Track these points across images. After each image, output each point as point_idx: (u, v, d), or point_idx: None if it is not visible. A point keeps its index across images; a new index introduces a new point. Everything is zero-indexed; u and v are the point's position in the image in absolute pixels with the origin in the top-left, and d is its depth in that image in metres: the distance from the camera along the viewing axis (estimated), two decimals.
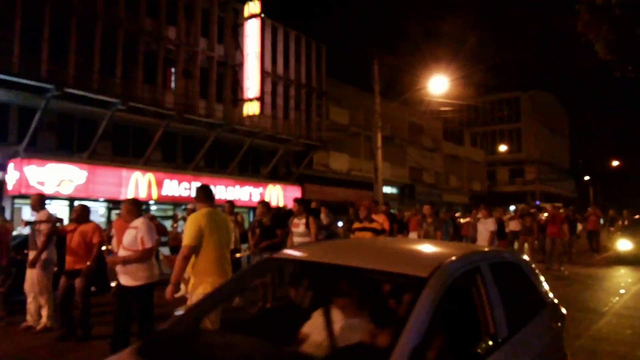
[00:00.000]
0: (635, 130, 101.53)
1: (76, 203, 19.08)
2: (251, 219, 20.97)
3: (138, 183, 20.53)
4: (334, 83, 31.65)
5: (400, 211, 22.09)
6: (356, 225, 7.43)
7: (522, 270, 3.79)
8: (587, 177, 58.16)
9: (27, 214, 16.30)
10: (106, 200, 20.15)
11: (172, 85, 22.73)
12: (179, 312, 3.19)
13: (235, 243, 8.94)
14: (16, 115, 18.46)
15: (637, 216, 20.80)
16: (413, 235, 13.56)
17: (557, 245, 14.31)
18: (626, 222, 19.58)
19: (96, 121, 19.54)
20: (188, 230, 4.63)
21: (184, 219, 7.77)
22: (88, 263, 6.56)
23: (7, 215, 17.64)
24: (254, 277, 3.63)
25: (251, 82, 24.48)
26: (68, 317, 6.62)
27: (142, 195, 20.49)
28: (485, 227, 11.62)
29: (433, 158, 43.27)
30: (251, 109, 24.32)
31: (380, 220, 10.07)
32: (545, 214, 16.24)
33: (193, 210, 5.85)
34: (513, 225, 16.09)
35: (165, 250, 12.41)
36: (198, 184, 22.34)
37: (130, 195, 19.90)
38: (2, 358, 6.04)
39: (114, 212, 19.26)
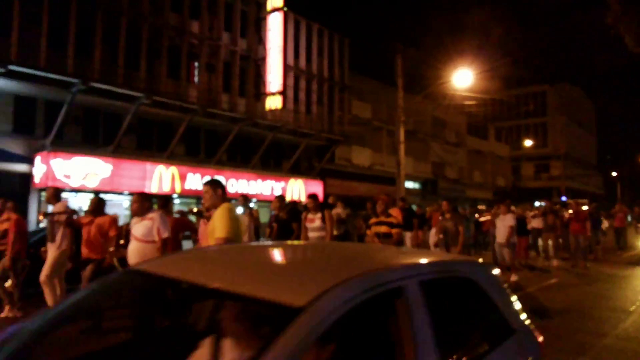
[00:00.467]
0: None
1: (101, 196, 19.55)
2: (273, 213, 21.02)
3: (162, 176, 20.75)
4: (357, 77, 31.50)
5: (422, 207, 21.92)
6: (373, 219, 7.34)
7: (479, 288, 2.87)
8: (614, 173, 57.04)
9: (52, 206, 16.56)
10: (131, 194, 20.39)
11: (196, 79, 22.86)
12: None
13: (249, 237, 8.96)
14: (43, 109, 18.80)
15: None
16: (434, 231, 13.43)
17: (581, 243, 14.07)
18: None
19: (121, 115, 19.78)
20: (223, 222, 4.53)
21: (200, 212, 7.77)
22: (111, 250, 6.59)
23: (34, 207, 18.03)
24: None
25: (274, 76, 24.50)
26: None
27: (166, 188, 20.72)
28: (504, 224, 11.51)
29: (456, 153, 42.84)
30: (273, 103, 24.36)
31: (394, 214, 10.03)
32: (570, 211, 15.96)
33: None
34: (535, 223, 15.87)
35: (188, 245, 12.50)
36: (221, 177, 22.62)
37: (154, 188, 20.17)
38: None
39: None
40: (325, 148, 28.48)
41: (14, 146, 17.89)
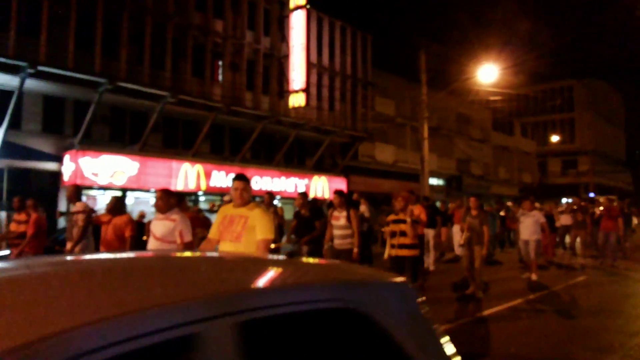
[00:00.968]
0: None
1: (129, 194, 19.87)
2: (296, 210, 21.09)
3: (187, 174, 21.00)
4: (380, 74, 31.39)
5: (446, 203, 21.77)
6: (391, 217, 7.15)
7: (374, 325, 1.85)
8: None
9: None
10: (157, 191, 20.66)
11: (220, 78, 23.05)
12: None
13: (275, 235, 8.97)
14: (71, 108, 19.18)
15: None
16: (457, 228, 13.33)
17: (611, 240, 13.79)
18: None
19: (147, 114, 20.07)
20: (267, 223, 4.47)
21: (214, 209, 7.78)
22: None
23: (63, 205, 18.42)
24: None
25: (297, 74, 24.57)
26: None
27: (191, 186, 20.97)
28: (533, 220, 11.25)
29: (481, 149, 42.39)
30: (297, 100, 24.44)
31: (417, 212, 9.95)
32: (601, 208, 15.67)
33: (230, 201, 5.77)
34: (564, 219, 15.63)
35: None
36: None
37: (180, 186, 20.42)
38: None
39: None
40: (349, 145, 28.47)
41: (44, 145, 18.29)
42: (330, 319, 1.80)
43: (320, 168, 27.63)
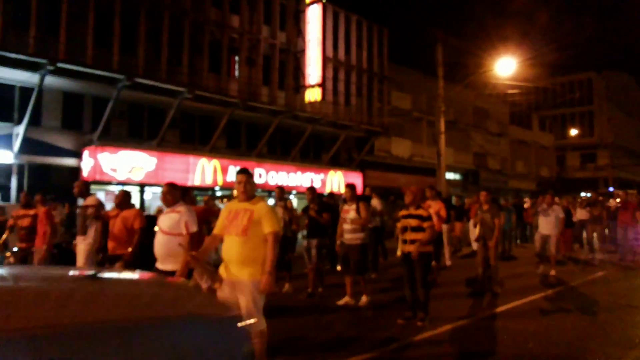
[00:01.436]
0: None
1: (147, 189, 20.09)
2: None
3: (204, 169, 21.16)
4: (396, 67, 31.26)
5: (462, 198, 21.65)
6: (402, 212, 7.05)
7: None
8: None
9: (102, 198, 17.11)
10: (163, 185, 20.85)
11: (236, 73, 23.16)
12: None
13: (284, 229, 9.04)
14: (90, 104, 19.42)
15: None
16: (473, 223, 13.25)
17: (629, 235, 13.60)
18: None
19: (164, 110, 20.25)
20: (273, 216, 4.45)
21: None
22: (129, 249, 6.56)
23: (81, 200, 18.67)
24: None
25: (313, 69, 24.59)
26: None
27: (208, 181, 21.13)
28: (555, 215, 11.15)
29: (499, 143, 42.03)
30: (313, 95, 24.47)
31: (437, 207, 9.88)
32: (617, 199, 15.47)
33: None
34: (581, 214, 15.45)
35: None
36: (262, 170, 22.89)
37: (197, 181, 20.61)
38: None
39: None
40: (365, 139, 28.43)
41: (63, 141, 18.55)
42: None
43: (336, 163, 27.64)
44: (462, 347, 5.72)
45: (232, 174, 22.04)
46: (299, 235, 10.53)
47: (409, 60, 32.14)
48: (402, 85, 32.13)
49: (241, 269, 4.33)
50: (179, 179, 19.91)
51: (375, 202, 11.03)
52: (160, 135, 20.12)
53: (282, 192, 9.73)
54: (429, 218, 6.79)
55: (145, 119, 20.96)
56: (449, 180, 28.10)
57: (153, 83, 19.03)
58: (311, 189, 8.91)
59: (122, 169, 18.62)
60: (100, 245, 7.39)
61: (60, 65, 16.74)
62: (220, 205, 13.00)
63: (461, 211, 15.65)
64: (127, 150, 18.94)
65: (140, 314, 1.81)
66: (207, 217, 7.70)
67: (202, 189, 21.24)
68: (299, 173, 24.92)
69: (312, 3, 24.88)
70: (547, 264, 11.15)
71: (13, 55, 16.01)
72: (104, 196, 17.61)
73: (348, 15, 27.94)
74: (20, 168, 17.60)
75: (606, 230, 15.98)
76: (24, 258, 8.18)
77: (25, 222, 8.32)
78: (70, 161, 18.59)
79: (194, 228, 5.31)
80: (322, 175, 26.07)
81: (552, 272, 10.90)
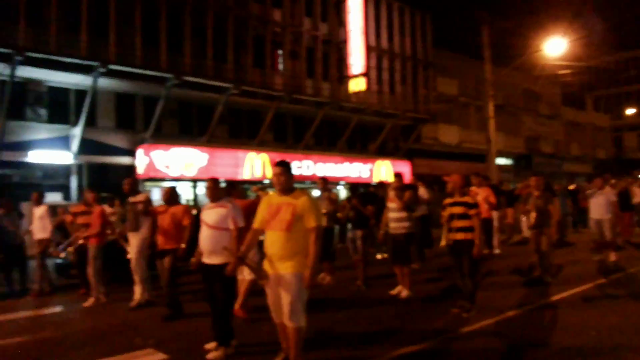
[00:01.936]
0: None
1: (199, 184, 20.60)
2: None
3: (253, 163, 21.52)
4: (441, 53, 30.72)
5: (512, 183, 21.15)
6: (448, 200, 6.92)
7: None
8: None
9: (157, 195, 17.67)
10: (226, 181, 21.31)
11: (280, 66, 23.36)
12: None
13: (328, 220, 9.09)
14: (142, 104, 20.04)
15: None
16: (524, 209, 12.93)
17: None
18: None
19: (212, 106, 20.68)
20: (315, 210, 4.41)
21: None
22: (182, 245, 6.76)
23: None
24: None
25: (356, 58, 24.50)
26: (172, 298, 7.03)
27: (257, 174, 21.48)
28: (604, 198, 10.68)
29: (551, 125, 40.74)
30: (357, 85, 24.39)
31: (485, 193, 9.70)
32: None
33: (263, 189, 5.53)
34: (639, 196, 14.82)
35: None
36: (309, 162, 23.06)
37: (246, 175, 20.99)
38: (103, 329, 6.68)
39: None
40: (412, 127, 28.16)
41: (118, 140, 19.23)
42: None
43: (383, 152, 27.52)
44: (512, 339, 5.60)
45: None
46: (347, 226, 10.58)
47: (454, 45, 31.37)
48: (447, 71, 31.57)
49: (285, 263, 4.34)
50: (229, 173, 20.34)
51: (422, 191, 10.96)
52: (210, 131, 20.57)
53: (325, 183, 9.68)
54: (475, 205, 6.66)
55: (195, 115, 21.47)
56: (500, 166, 27.49)
57: (200, 80, 19.45)
58: (397, 176, 8.69)
59: (175, 166, 19.17)
60: (151, 240, 7.67)
61: (111, 67, 17.33)
62: None
63: (512, 197, 15.33)
64: (179, 147, 19.47)
65: None
66: (254, 210, 7.82)
67: (252, 183, 21.58)
68: (346, 164, 24.97)
69: None
70: (605, 250, 10.77)
71: (67, 60, 16.70)
72: (159, 193, 18.16)
73: (389, 2, 27.65)
74: (79, 168, 18.37)
75: None
76: (82, 253, 8.59)
77: (82, 220, 8.74)
78: (125, 159, 19.25)
79: (241, 223, 5.40)
80: (369, 165, 26.02)
81: (612, 258, 10.52)
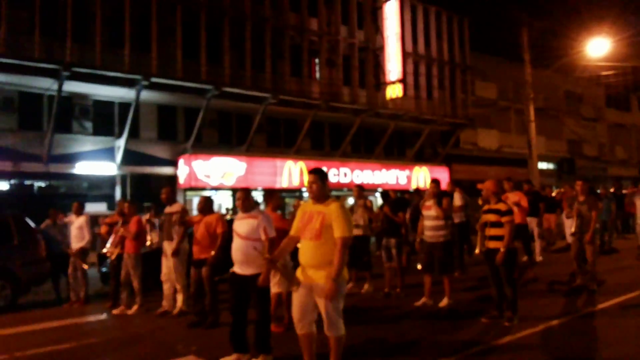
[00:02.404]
0: None
1: (238, 193, 20.93)
2: None
3: (291, 172, 21.74)
4: (479, 56, 30.39)
5: (555, 189, 20.69)
6: (485, 207, 6.80)
7: None
8: None
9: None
10: (264, 190, 21.63)
11: (317, 75, 23.58)
12: None
13: (363, 228, 9.11)
14: (183, 115, 20.56)
15: None
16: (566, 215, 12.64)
17: None
18: None
19: (251, 115, 21.03)
20: (343, 220, 4.31)
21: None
22: (212, 252, 6.81)
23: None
24: None
25: (393, 65, 24.50)
26: (200, 306, 7.10)
27: (295, 182, 21.68)
28: None
29: (595, 128, 39.71)
30: (394, 91, 24.39)
31: (515, 198, 9.52)
32: None
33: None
34: None
35: None
36: (346, 169, 23.14)
37: (284, 183, 21.22)
38: (137, 336, 6.86)
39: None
40: (450, 133, 27.92)
41: (160, 151, 19.77)
42: None
43: (421, 158, 27.37)
44: (552, 350, 5.45)
45: None
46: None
47: (492, 48, 30.95)
48: (486, 74, 31.20)
49: (317, 272, 4.29)
50: (267, 182, 20.63)
51: (457, 197, 10.83)
52: (249, 140, 20.92)
53: (360, 191, 9.64)
54: (507, 212, 6.50)
55: (234, 125, 21.88)
56: (542, 170, 26.97)
57: (239, 91, 19.84)
58: (383, 192, 8.86)
59: (215, 175, 19.56)
60: (187, 248, 7.85)
61: (153, 80, 17.88)
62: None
63: (553, 203, 15.00)
64: (219, 156, 19.87)
65: None
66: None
67: (290, 191, 21.83)
68: (383, 170, 24.94)
69: None
70: None
71: (111, 74, 17.33)
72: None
73: (426, 7, 27.57)
74: (123, 178, 18.97)
75: None
76: (119, 262, 8.82)
77: (116, 229, 8.94)
78: (167, 170, 19.77)
79: (272, 233, 5.41)
80: (407, 172, 25.91)
81: None
